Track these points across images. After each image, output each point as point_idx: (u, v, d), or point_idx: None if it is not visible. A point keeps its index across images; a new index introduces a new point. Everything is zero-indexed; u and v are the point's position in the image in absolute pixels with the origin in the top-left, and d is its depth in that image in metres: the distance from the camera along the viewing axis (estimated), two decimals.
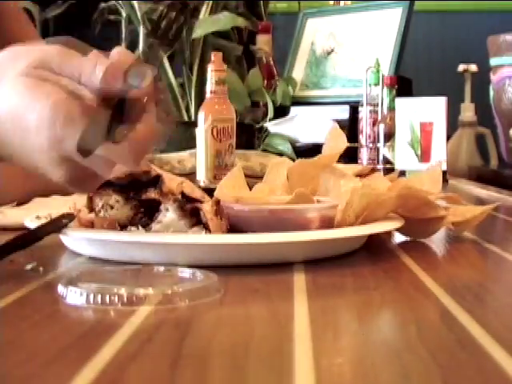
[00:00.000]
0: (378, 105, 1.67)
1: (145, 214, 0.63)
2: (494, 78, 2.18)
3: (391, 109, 1.60)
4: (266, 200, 0.68)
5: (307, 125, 1.74)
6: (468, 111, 2.57)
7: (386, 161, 1.59)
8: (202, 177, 1.07)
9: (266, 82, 1.77)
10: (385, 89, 1.64)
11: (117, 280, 0.51)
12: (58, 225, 0.60)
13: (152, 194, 0.62)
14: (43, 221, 0.67)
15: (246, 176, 0.77)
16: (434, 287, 0.52)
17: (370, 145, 1.67)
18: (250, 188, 0.79)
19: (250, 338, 0.41)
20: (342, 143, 0.77)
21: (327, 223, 0.63)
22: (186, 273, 0.52)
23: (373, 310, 0.49)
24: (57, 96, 0.52)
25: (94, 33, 1.84)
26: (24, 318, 0.45)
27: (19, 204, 0.83)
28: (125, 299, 0.45)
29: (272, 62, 1.84)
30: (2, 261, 0.55)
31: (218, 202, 0.62)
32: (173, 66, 1.61)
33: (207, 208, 0.61)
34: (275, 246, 0.58)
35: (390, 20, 1.97)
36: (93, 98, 0.53)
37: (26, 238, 0.57)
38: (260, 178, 0.82)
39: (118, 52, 0.55)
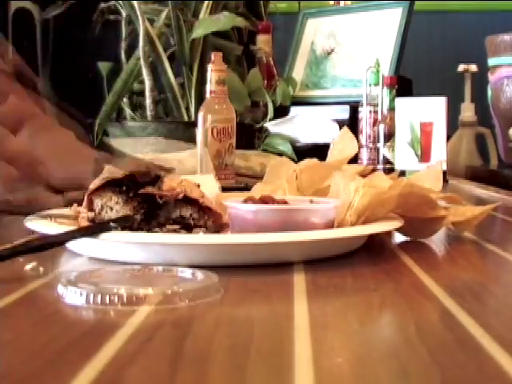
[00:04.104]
0: (377, 105, 1.67)
1: (144, 216, 0.63)
2: (492, 77, 2.18)
3: (391, 109, 1.60)
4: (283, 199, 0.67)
5: (307, 125, 1.74)
6: (468, 111, 2.57)
7: (386, 161, 1.59)
8: None
9: (266, 81, 1.77)
10: (385, 89, 1.64)
11: (117, 280, 0.51)
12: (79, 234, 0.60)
13: (150, 189, 0.62)
14: (44, 221, 0.67)
15: (246, 176, 0.77)
16: (434, 287, 0.52)
17: (370, 145, 1.67)
18: (249, 188, 0.79)
19: (250, 338, 0.41)
20: (353, 148, 0.77)
21: (330, 223, 0.63)
22: (186, 273, 0.52)
23: (373, 310, 0.49)
24: None
25: (94, 33, 1.84)
26: (24, 317, 0.45)
27: None
28: (125, 299, 0.45)
29: (272, 62, 1.84)
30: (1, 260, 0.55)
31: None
32: (173, 66, 1.61)
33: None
34: (275, 246, 0.58)
35: (390, 20, 1.97)
36: None
37: (45, 242, 0.57)
38: (260, 178, 0.82)
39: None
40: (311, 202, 0.67)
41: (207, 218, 0.64)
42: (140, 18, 1.57)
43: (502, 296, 0.54)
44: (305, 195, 0.72)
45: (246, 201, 0.65)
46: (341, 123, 1.76)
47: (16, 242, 0.58)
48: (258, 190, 0.77)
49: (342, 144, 0.78)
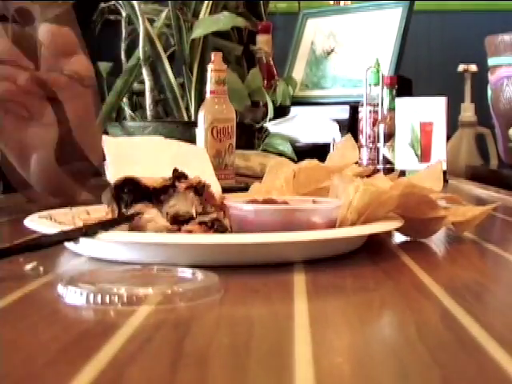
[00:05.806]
0: (377, 105, 1.67)
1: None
2: (491, 78, 2.18)
3: (391, 109, 1.60)
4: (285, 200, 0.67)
5: (307, 125, 1.74)
6: (468, 111, 2.57)
7: (386, 161, 1.59)
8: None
9: (266, 81, 1.77)
10: (385, 89, 1.64)
11: (117, 280, 0.51)
12: (74, 234, 0.60)
13: (212, 213, 0.63)
14: (44, 221, 0.67)
15: (246, 176, 0.77)
16: (434, 287, 0.52)
17: (370, 145, 1.67)
18: (247, 189, 0.79)
19: (250, 338, 0.41)
20: (354, 156, 0.77)
21: (332, 223, 0.63)
22: (186, 273, 0.52)
23: (373, 310, 0.49)
24: None
25: (94, 33, 1.84)
26: (24, 317, 0.45)
27: None
28: (125, 299, 0.45)
29: (272, 62, 1.84)
30: (2, 260, 0.55)
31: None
32: (173, 66, 1.61)
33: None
34: (275, 246, 0.58)
35: (390, 20, 1.97)
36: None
37: (42, 241, 0.57)
38: (260, 178, 0.82)
39: None
40: (314, 202, 0.67)
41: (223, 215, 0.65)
42: (140, 18, 1.57)
43: (502, 296, 0.54)
44: (299, 195, 0.72)
45: (247, 202, 0.65)
46: (341, 123, 1.76)
47: (15, 242, 0.58)
48: (254, 189, 0.77)
49: (343, 150, 0.78)
